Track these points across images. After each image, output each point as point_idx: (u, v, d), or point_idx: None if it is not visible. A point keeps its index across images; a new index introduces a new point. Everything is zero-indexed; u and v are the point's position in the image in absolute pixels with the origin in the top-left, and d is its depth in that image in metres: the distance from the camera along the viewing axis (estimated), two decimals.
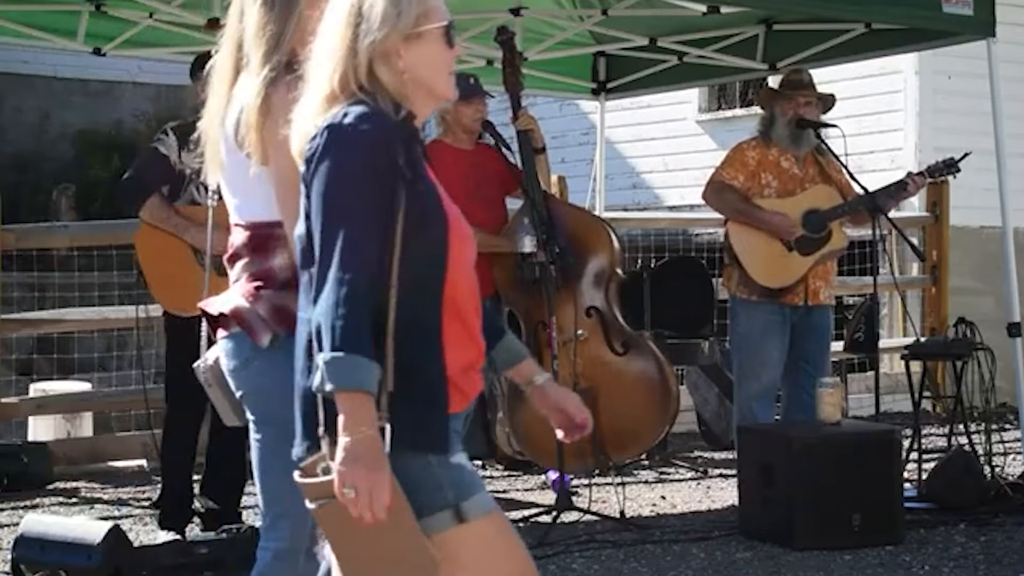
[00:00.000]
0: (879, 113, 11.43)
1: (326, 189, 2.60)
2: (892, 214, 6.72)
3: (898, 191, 6.42)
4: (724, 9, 6.54)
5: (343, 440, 2.51)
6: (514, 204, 6.38)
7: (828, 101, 6.49)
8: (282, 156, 2.94)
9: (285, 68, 3.11)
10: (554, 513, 5.90)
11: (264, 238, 3.18)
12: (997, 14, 6.58)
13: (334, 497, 2.52)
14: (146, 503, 6.61)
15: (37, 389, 8.32)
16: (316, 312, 2.55)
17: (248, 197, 3.20)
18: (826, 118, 6.46)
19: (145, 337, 6.69)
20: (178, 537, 5.54)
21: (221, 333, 3.20)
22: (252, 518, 6.08)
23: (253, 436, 3.16)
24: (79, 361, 9.85)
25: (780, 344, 6.32)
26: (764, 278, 6.27)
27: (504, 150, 6.25)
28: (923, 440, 6.63)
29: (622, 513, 6.10)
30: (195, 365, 3.34)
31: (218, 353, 3.24)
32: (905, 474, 6.10)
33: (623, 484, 6.29)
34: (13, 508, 6.51)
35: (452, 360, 2.67)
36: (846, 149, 6.27)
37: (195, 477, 5.79)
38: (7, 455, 7.13)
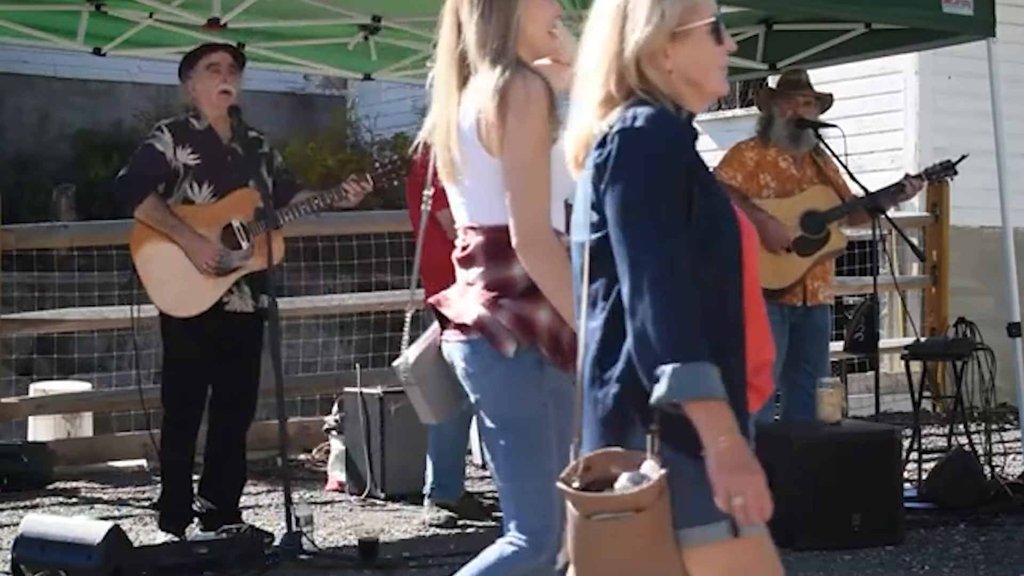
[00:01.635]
0: (879, 113, 11.43)
1: (627, 194, 2.54)
2: (892, 214, 6.72)
3: (896, 192, 6.42)
4: (724, 9, 6.52)
5: (711, 452, 2.45)
6: None
7: (826, 101, 6.49)
8: (512, 143, 3.05)
9: (515, 68, 3.16)
10: None
11: (502, 244, 3.19)
12: (997, 14, 6.57)
13: (619, 511, 2.45)
14: (146, 503, 6.61)
15: (37, 389, 8.32)
16: (639, 322, 2.47)
17: (486, 200, 3.21)
18: (825, 118, 6.46)
19: (145, 337, 6.69)
20: (178, 538, 5.55)
21: (455, 335, 3.24)
22: (252, 518, 6.09)
23: (498, 440, 3.22)
24: (79, 361, 9.85)
25: (779, 345, 6.32)
26: (763, 278, 6.24)
27: None
28: (923, 440, 6.63)
29: None
30: (395, 364, 3.39)
31: (420, 351, 3.31)
32: (905, 474, 6.10)
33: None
34: (13, 508, 6.51)
35: (750, 358, 2.62)
36: (846, 149, 6.27)
37: (195, 477, 5.79)
38: (7, 455, 7.13)
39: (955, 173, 6.54)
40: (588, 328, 2.63)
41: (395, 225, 9.14)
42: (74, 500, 6.88)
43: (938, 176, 6.55)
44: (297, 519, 5.31)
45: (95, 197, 11.86)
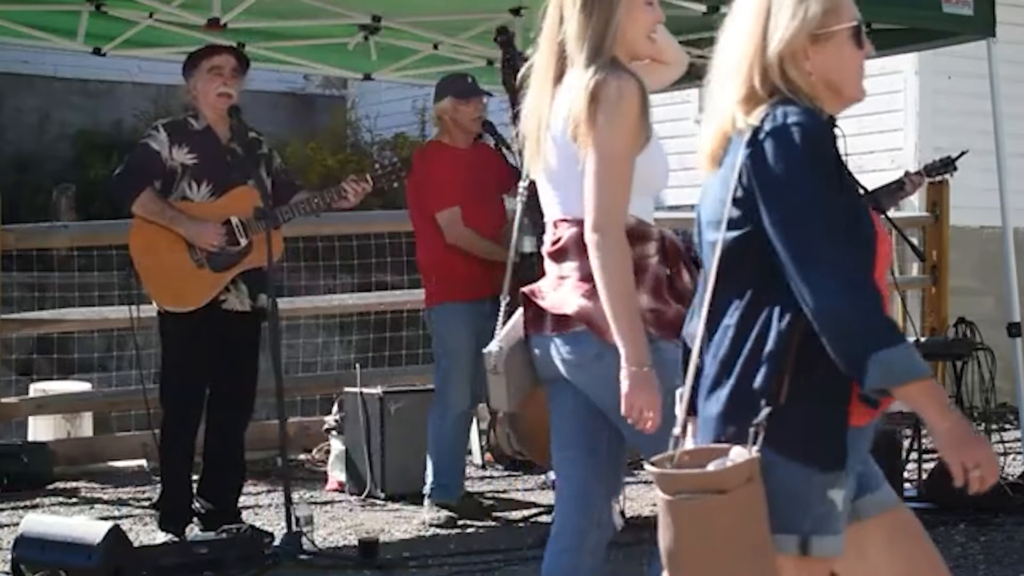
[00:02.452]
0: (879, 113, 11.41)
1: (796, 191, 2.54)
2: (892, 214, 6.72)
3: (896, 190, 6.42)
4: (724, 9, 6.53)
5: (940, 430, 2.49)
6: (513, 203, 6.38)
7: None
8: (600, 139, 3.10)
9: (610, 67, 3.19)
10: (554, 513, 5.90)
11: None
12: (997, 14, 6.57)
13: (700, 491, 2.47)
14: (146, 503, 6.61)
15: (37, 389, 8.32)
16: (833, 315, 2.47)
17: (578, 193, 3.22)
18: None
19: (145, 337, 6.69)
20: (178, 538, 5.55)
21: (554, 328, 3.25)
22: (252, 518, 6.09)
23: (616, 422, 3.23)
24: (79, 361, 9.85)
25: None
26: None
27: (504, 150, 6.24)
28: (923, 440, 6.63)
29: (622, 513, 6.08)
30: (485, 350, 3.42)
31: (507, 341, 3.35)
32: (905, 474, 6.10)
33: (623, 484, 6.28)
34: (13, 508, 6.51)
35: None
36: (846, 149, 6.23)
37: (194, 477, 5.79)
38: (7, 455, 7.13)
39: (955, 169, 6.54)
40: (722, 326, 2.63)
41: (395, 225, 9.14)
42: (74, 500, 6.88)
43: (938, 172, 6.55)
44: (297, 519, 5.31)
45: (95, 197, 11.85)
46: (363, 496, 6.79)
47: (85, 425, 8.17)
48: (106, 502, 6.84)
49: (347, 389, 7.13)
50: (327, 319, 10.37)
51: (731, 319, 2.61)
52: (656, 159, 3.27)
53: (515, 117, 6.22)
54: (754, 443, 2.48)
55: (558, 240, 3.29)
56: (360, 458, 6.88)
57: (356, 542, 5.59)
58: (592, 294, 3.18)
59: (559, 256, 3.29)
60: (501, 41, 6.39)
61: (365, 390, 6.95)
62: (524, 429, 6.34)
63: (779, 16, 2.61)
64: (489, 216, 6.22)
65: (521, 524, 6.14)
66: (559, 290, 3.27)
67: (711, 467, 2.48)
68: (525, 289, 3.35)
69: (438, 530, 6.04)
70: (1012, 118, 7.35)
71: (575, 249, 3.24)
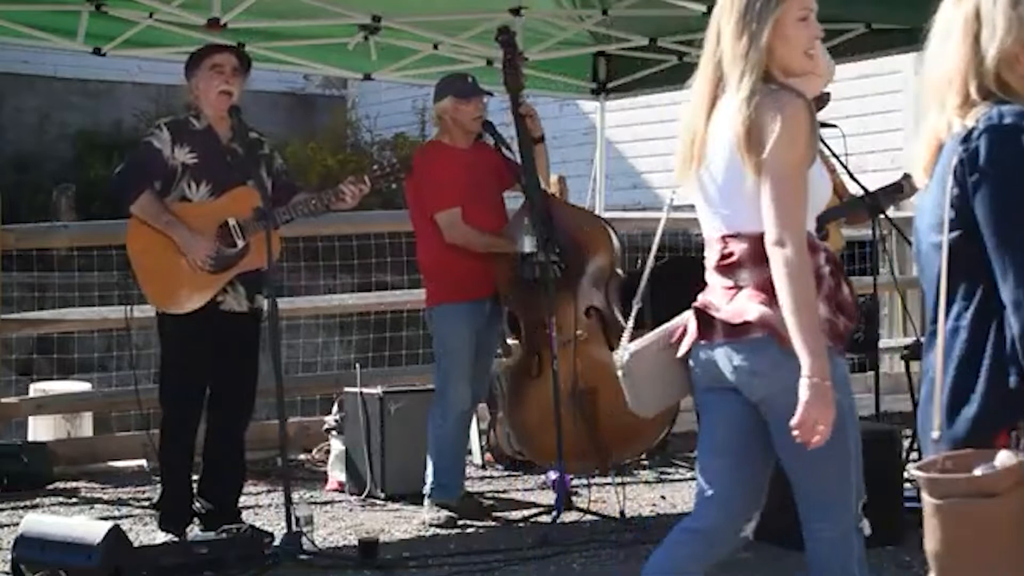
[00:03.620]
0: (879, 113, 11.44)
1: (1009, 190, 2.56)
2: (892, 214, 6.71)
3: (895, 191, 6.42)
4: None
5: None
6: (514, 203, 6.38)
7: (823, 100, 6.49)
8: (776, 154, 3.14)
9: (762, 85, 3.24)
10: (554, 513, 5.90)
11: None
12: None
13: (968, 496, 2.45)
14: (146, 503, 6.61)
15: (37, 389, 8.32)
16: None
17: (746, 210, 3.27)
18: (824, 118, 6.45)
19: (144, 337, 6.69)
20: (178, 538, 5.54)
21: (731, 338, 3.29)
22: (252, 518, 6.09)
23: (786, 433, 3.20)
24: (79, 361, 9.85)
25: None
26: None
27: (504, 150, 6.24)
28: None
29: (622, 513, 6.10)
30: (616, 354, 3.50)
31: (641, 347, 3.45)
32: (905, 474, 6.09)
33: (623, 484, 6.29)
34: (13, 508, 6.51)
35: None
36: (846, 149, 6.26)
37: (194, 477, 5.79)
38: (7, 455, 7.13)
39: None
40: (948, 329, 2.65)
41: (395, 225, 9.14)
42: (74, 500, 6.88)
43: None
44: (297, 519, 5.31)
45: (95, 197, 11.86)
46: (363, 496, 6.79)
47: (85, 425, 8.17)
48: (106, 502, 6.84)
49: (347, 389, 7.13)
50: (327, 319, 10.37)
51: (962, 321, 2.64)
52: (818, 173, 3.31)
53: (515, 116, 6.28)
54: (1019, 446, 2.51)
55: (730, 255, 3.34)
56: (360, 458, 6.88)
57: (356, 542, 5.59)
58: (770, 303, 3.23)
59: (731, 269, 3.34)
60: (502, 40, 6.39)
61: (365, 390, 6.96)
62: (524, 429, 6.36)
63: (992, 27, 2.66)
64: (489, 216, 6.23)
65: (521, 524, 6.14)
66: (735, 300, 3.32)
67: (979, 471, 2.48)
68: (698, 303, 3.41)
69: (438, 530, 6.04)
70: None
71: (749, 262, 3.29)
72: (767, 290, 3.24)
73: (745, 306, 3.28)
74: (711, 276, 3.41)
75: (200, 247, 5.50)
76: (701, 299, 3.41)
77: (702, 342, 3.37)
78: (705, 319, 3.36)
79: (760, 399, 3.31)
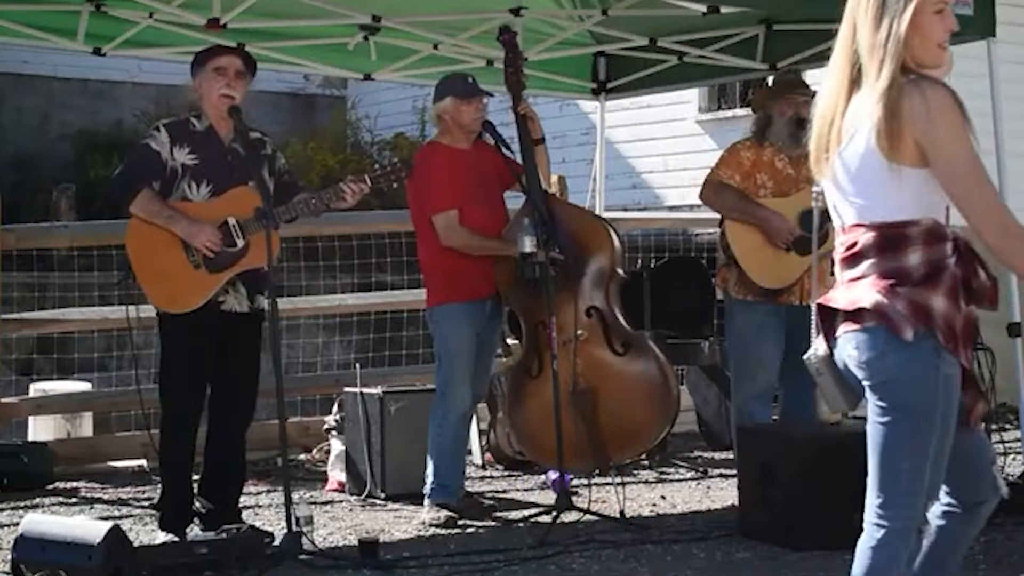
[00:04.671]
0: None
1: None
2: None
3: None
4: (724, 9, 6.54)
5: None
6: (514, 203, 6.38)
7: None
8: (947, 153, 3.18)
9: (907, 76, 3.27)
10: (554, 513, 5.91)
11: (895, 238, 3.30)
12: (997, 14, 6.57)
13: None
14: (146, 503, 6.62)
15: (37, 389, 8.32)
16: None
17: (878, 199, 3.31)
18: None
19: (145, 337, 6.69)
20: (178, 538, 5.54)
21: (849, 326, 3.33)
22: (252, 518, 6.09)
23: (879, 420, 3.32)
24: (79, 361, 9.84)
25: (776, 345, 6.32)
26: (762, 278, 6.27)
27: (504, 150, 6.24)
28: None
29: (622, 513, 6.10)
30: (805, 356, 3.52)
31: (822, 344, 3.43)
32: None
33: (623, 484, 6.29)
34: (13, 508, 6.51)
35: None
36: None
37: (195, 477, 5.79)
38: (7, 455, 7.13)
39: None
40: None
41: (395, 225, 9.15)
42: (74, 500, 6.88)
43: None
44: (297, 519, 5.31)
45: (95, 197, 11.85)
46: (363, 496, 6.80)
47: (85, 425, 8.17)
48: (106, 502, 6.84)
49: (347, 389, 7.13)
50: (327, 319, 10.38)
51: None
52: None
53: (516, 118, 6.28)
54: None
55: (853, 244, 3.37)
56: (360, 458, 6.88)
57: (356, 542, 5.59)
58: (889, 291, 3.27)
59: (853, 260, 3.37)
60: (504, 40, 6.39)
61: (365, 390, 6.96)
62: (524, 429, 6.36)
63: None
64: (490, 216, 6.23)
65: (521, 524, 6.14)
66: (853, 289, 3.35)
67: None
68: (820, 299, 3.44)
69: (438, 530, 6.04)
70: (1012, 118, 7.33)
71: (872, 251, 3.32)
72: (893, 276, 3.28)
73: (862, 294, 3.31)
74: (837, 270, 3.45)
75: (203, 232, 5.49)
76: (825, 296, 3.45)
77: (832, 336, 3.42)
78: (828, 312, 3.40)
79: (867, 385, 3.35)
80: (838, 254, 3.42)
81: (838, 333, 3.38)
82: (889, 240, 3.29)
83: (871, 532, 3.44)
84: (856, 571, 3.45)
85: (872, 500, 3.42)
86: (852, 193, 3.37)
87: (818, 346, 3.49)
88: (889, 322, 3.24)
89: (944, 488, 3.51)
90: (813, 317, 3.60)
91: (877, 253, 3.31)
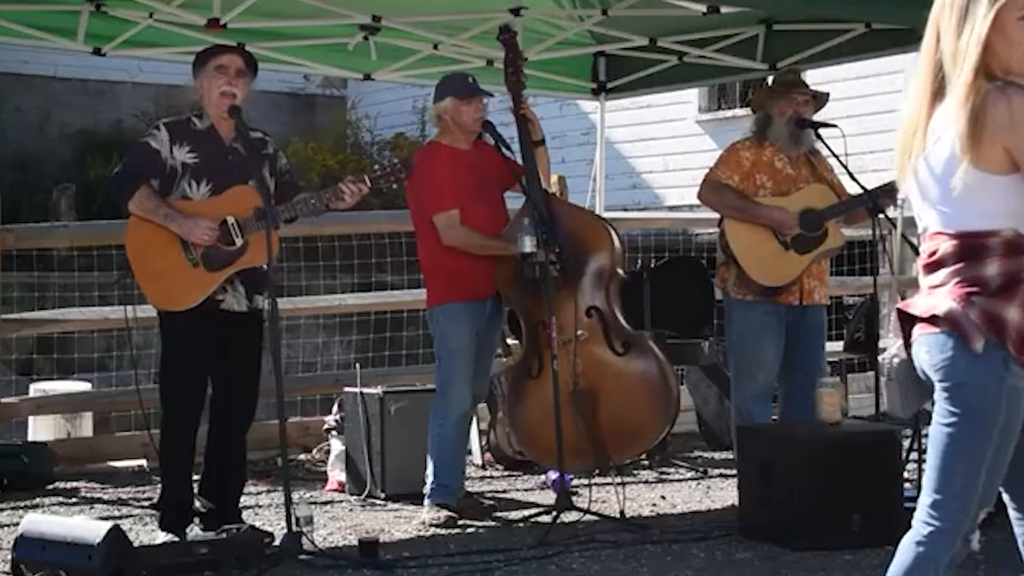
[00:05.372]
0: (879, 113, 11.43)
1: None
2: (892, 213, 6.72)
3: (894, 190, 6.42)
4: (724, 9, 6.54)
5: None
6: (514, 203, 6.38)
7: (821, 99, 6.50)
8: None
9: (986, 82, 3.26)
10: (554, 513, 5.90)
11: (975, 247, 3.30)
12: None
13: None
14: (146, 503, 6.61)
15: (37, 389, 8.32)
16: None
17: (962, 208, 3.31)
18: (825, 118, 6.47)
19: (145, 337, 6.69)
20: (178, 538, 5.54)
21: (924, 329, 3.35)
22: (252, 518, 6.09)
23: (942, 422, 3.33)
24: (79, 361, 9.85)
25: (776, 344, 6.32)
26: (762, 277, 6.27)
27: (504, 150, 6.24)
28: (923, 440, 6.62)
29: (622, 513, 6.10)
30: (880, 359, 3.56)
31: (896, 348, 3.46)
32: (905, 474, 6.10)
33: (623, 484, 6.29)
34: (13, 508, 6.51)
35: None
36: (846, 149, 6.26)
37: (195, 477, 5.79)
38: (7, 455, 7.13)
39: None
40: None
41: (395, 225, 9.15)
42: (74, 500, 6.88)
43: None
44: (297, 519, 5.31)
45: (95, 197, 11.87)
46: (363, 496, 6.79)
47: (85, 425, 8.17)
48: (106, 502, 6.84)
49: (347, 389, 7.13)
50: (327, 319, 10.38)
51: None
52: None
53: (516, 116, 6.28)
54: None
55: (934, 252, 3.38)
56: (360, 458, 6.88)
57: (356, 542, 5.59)
58: (964, 299, 3.28)
59: (934, 267, 3.38)
60: (504, 40, 6.39)
61: (365, 390, 6.96)
62: (524, 429, 6.36)
63: None
64: (490, 216, 6.22)
65: (521, 524, 6.14)
66: (932, 296, 3.38)
67: None
68: (900, 304, 3.46)
69: (438, 530, 6.04)
70: None
71: (952, 259, 3.33)
72: (971, 285, 3.29)
73: (938, 301, 3.33)
74: (920, 277, 3.47)
75: (198, 227, 5.48)
76: (905, 301, 3.47)
77: (911, 341, 3.44)
78: (907, 318, 3.43)
79: (938, 387, 3.36)
80: (920, 260, 3.44)
81: (914, 336, 3.41)
82: (968, 249, 3.31)
83: (918, 528, 3.44)
84: (895, 564, 3.46)
85: (925, 498, 3.43)
86: (936, 201, 3.38)
87: (892, 350, 3.52)
88: (960, 330, 3.27)
89: (1010, 501, 3.58)
90: (892, 321, 3.64)
91: (955, 262, 3.33)
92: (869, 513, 5.52)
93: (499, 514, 6.36)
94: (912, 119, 3.42)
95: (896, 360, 3.51)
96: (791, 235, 6.23)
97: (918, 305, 3.40)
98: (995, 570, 5.21)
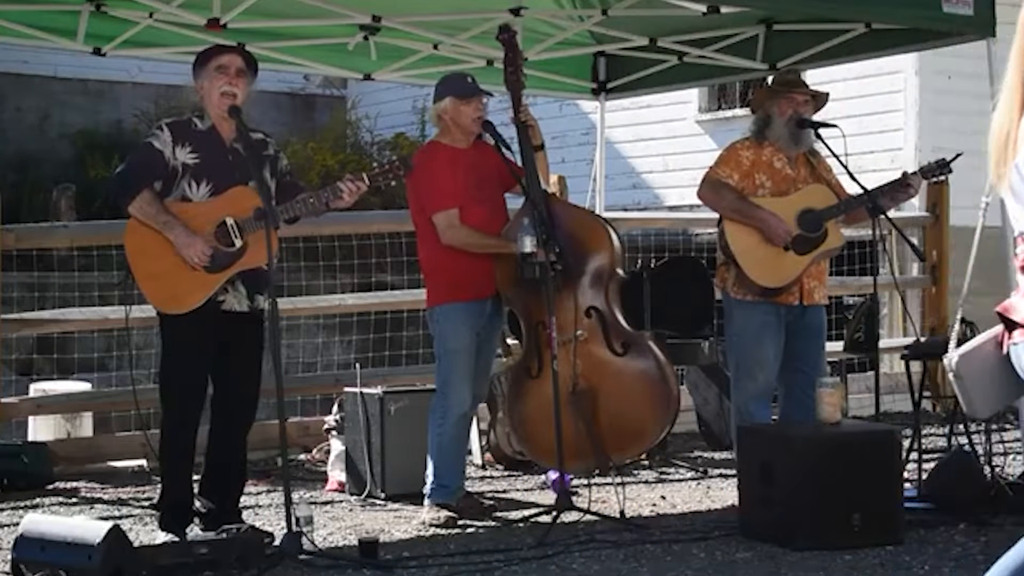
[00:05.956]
0: (879, 113, 11.44)
1: None
2: (892, 214, 6.72)
3: (894, 190, 6.42)
4: (724, 9, 6.54)
5: None
6: (514, 203, 6.38)
7: (821, 99, 6.50)
8: None
9: None
10: (554, 513, 5.90)
11: None
12: (997, 14, 6.57)
13: None
14: (146, 503, 6.61)
15: (37, 389, 8.32)
16: None
17: None
18: (824, 118, 6.46)
19: (146, 337, 6.69)
20: (178, 538, 5.54)
21: (1021, 336, 3.35)
22: (252, 518, 6.09)
23: None
24: (79, 361, 9.86)
25: (776, 344, 6.32)
26: (762, 277, 6.26)
27: (504, 150, 6.24)
28: (923, 440, 6.62)
29: (622, 513, 6.10)
30: (946, 357, 3.56)
31: (971, 348, 3.49)
32: (905, 474, 6.10)
33: (623, 484, 6.29)
34: (13, 508, 6.51)
35: None
36: (846, 149, 6.26)
37: (195, 477, 5.79)
38: (7, 455, 7.13)
39: (950, 171, 6.54)
40: None
41: (395, 225, 9.15)
42: (74, 500, 6.88)
43: (933, 174, 6.55)
44: (297, 519, 5.31)
45: (95, 197, 11.87)
46: (363, 496, 6.79)
47: (85, 425, 8.17)
48: (106, 502, 6.84)
49: (347, 389, 7.13)
50: (327, 319, 10.39)
51: None
52: None
53: (516, 124, 6.27)
54: None
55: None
56: (360, 458, 6.88)
57: (356, 542, 5.59)
58: None
59: None
60: (503, 40, 6.39)
61: (365, 390, 6.96)
62: (524, 429, 6.36)
63: None
64: (490, 216, 6.22)
65: (521, 524, 6.14)
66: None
67: None
68: (999, 306, 3.45)
69: (438, 530, 6.04)
70: None
71: None
72: None
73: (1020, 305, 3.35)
74: (1017, 276, 3.47)
75: (195, 247, 5.49)
76: (1005, 303, 3.45)
77: (1010, 343, 3.43)
78: (1007, 322, 3.42)
79: None
80: (1017, 262, 3.44)
81: (1014, 339, 3.40)
82: None
83: None
84: (1012, 553, 3.57)
85: None
86: None
87: (959, 351, 3.52)
88: None
89: None
90: (955, 323, 3.65)
91: None
92: (869, 513, 5.52)
93: (499, 514, 6.36)
94: (1003, 127, 3.42)
95: (956, 358, 3.51)
96: (785, 243, 6.22)
97: (1018, 310, 3.38)
98: None
